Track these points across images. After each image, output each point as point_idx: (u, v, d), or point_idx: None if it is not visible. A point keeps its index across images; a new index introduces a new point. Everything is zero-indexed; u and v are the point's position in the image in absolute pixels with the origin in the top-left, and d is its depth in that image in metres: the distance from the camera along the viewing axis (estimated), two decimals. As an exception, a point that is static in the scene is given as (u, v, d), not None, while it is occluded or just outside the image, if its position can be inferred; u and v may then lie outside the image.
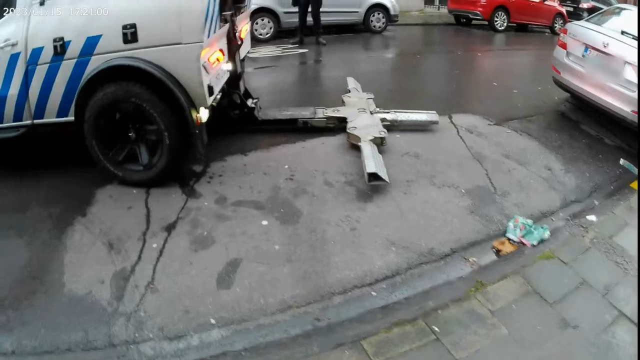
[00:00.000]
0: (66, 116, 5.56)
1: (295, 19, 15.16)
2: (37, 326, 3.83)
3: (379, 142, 6.68)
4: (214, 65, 5.64)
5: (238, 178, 6.00)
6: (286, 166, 6.29)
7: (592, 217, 5.57)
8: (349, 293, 4.26)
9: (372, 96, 8.48)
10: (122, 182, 5.68)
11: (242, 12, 7.11)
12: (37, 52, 5.33)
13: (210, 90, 5.37)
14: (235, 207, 5.40)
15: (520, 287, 4.35)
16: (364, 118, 7.38)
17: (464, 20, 23.33)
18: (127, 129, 5.61)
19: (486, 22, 21.57)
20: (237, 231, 4.98)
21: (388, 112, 7.71)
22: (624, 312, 4.22)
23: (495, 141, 7.42)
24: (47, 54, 5.31)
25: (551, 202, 5.94)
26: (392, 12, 18.08)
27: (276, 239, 4.89)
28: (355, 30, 18.06)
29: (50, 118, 5.61)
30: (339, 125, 7.47)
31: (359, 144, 6.52)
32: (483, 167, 6.53)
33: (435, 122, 7.74)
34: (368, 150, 6.21)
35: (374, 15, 17.81)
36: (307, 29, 15.12)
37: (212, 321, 3.91)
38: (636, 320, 4.13)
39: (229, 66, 6.38)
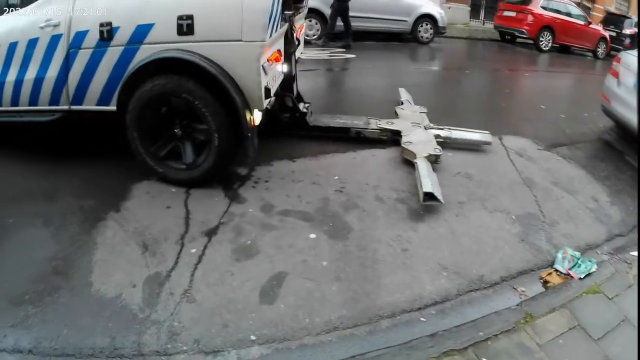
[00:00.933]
0: (107, 105, 5.41)
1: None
2: (59, 326, 3.63)
3: (434, 160, 6.58)
4: (272, 66, 5.43)
5: (285, 185, 5.89)
6: (336, 177, 6.19)
7: (635, 253, 5.46)
8: (397, 317, 4.12)
9: (426, 110, 8.39)
10: (162, 179, 5.57)
11: (300, 12, 7.02)
12: (80, 36, 5.19)
13: (267, 92, 5.21)
14: (282, 216, 5.27)
15: (567, 321, 4.28)
16: (418, 133, 7.28)
17: (509, 37, 23.22)
18: (173, 125, 5.47)
19: (531, 41, 21.43)
20: (283, 243, 4.84)
21: (442, 129, 7.59)
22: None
23: (545, 167, 7.34)
24: (92, 39, 5.16)
25: (597, 234, 5.85)
26: (440, 24, 18.01)
27: (325, 254, 4.75)
28: (403, 40, 17.98)
29: (89, 105, 5.46)
30: (391, 138, 7.37)
31: (415, 160, 6.40)
32: (533, 193, 6.45)
33: (488, 143, 7.65)
34: (424, 168, 6.11)
35: (422, 26, 17.76)
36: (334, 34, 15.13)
37: (253, 337, 3.72)
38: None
39: (285, 68, 6.28)
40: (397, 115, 8.16)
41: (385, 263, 4.73)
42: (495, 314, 4.31)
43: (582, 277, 4.95)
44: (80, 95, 5.43)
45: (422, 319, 4.17)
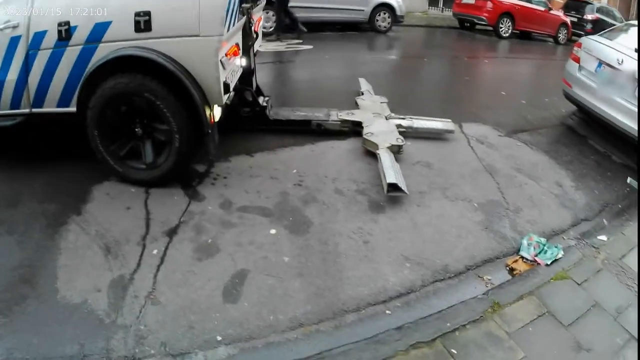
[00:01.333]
0: (67, 106, 5.28)
1: (300, 14, 15.12)
2: (29, 335, 3.57)
3: (396, 150, 6.56)
4: (230, 61, 5.37)
5: (244, 181, 5.82)
6: (294, 170, 6.14)
7: (602, 237, 5.52)
8: (362, 311, 4.11)
9: (386, 100, 8.36)
10: (122, 179, 5.47)
11: (258, 4, 6.93)
12: (39, 37, 5.07)
13: (227, 87, 5.15)
14: (242, 212, 5.22)
15: (535, 309, 4.29)
16: (380, 124, 7.27)
17: (468, 24, 23.28)
18: (133, 124, 5.35)
19: (491, 28, 21.57)
20: (243, 240, 4.79)
21: (403, 118, 7.59)
22: (635, 336, 4.20)
23: (507, 154, 7.36)
24: (51, 39, 5.04)
25: (562, 219, 5.89)
26: (398, 13, 17.96)
27: (286, 249, 4.72)
28: (360, 29, 17.95)
29: (50, 107, 5.33)
30: (353, 129, 7.34)
31: (377, 151, 6.39)
32: (495, 180, 6.47)
33: (451, 131, 7.67)
34: (387, 159, 6.10)
35: (379, 15, 17.71)
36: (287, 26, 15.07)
37: (219, 338, 3.70)
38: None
39: (243, 62, 6.20)
40: (357, 106, 8.15)
41: (347, 256, 4.70)
42: (461, 304, 4.30)
43: (548, 263, 4.97)
44: (40, 97, 5.31)
45: (387, 311, 4.15)
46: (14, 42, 5.15)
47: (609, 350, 4.02)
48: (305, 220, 5.18)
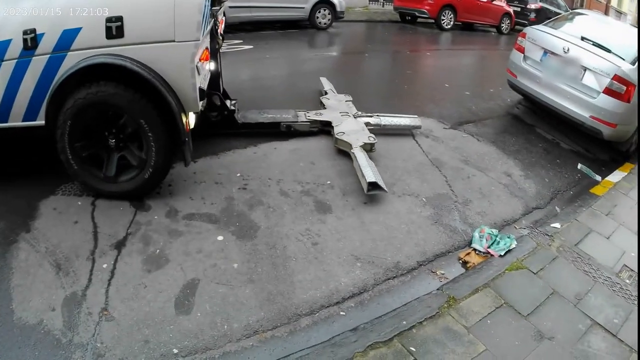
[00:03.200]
0: (34, 120, 5.05)
1: (242, 14, 15.20)
2: None
3: (369, 148, 6.64)
4: (203, 66, 5.30)
5: (188, 187, 5.77)
6: (238, 174, 6.10)
7: (556, 225, 5.63)
8: (316, 314, 4.12)
9: (351, 98, 8.42)
10: (71, 177, 5.36)
11: (222, 6, 6.85)
12: (2, 46, 4.80)
13: (202, 93, 5.08)
14: (188, 220, 5.17)
15: (492, 301, 4.34)
16: (349, 123, 7.34)
17: (409, 18, 23.46)
18: (106, 134, 5.19)
19: (432, 21, 21.76)
20: (191, 248, 4.76)
21: (371, 116, 7.70)
22: (597, 321, 4.30)
23: (452, 146, 7.45)
24: (15, 49, 4.78)
25: (513, 209, 6.00)
26: (338, 9, 18.01)
27: (234, 256, 4.69)
28: (300, 27, 17.95)
29: (15, 122, 5.09)
30: (321, 129, 7.43)
31: (352, 151, 6.46)
32: (442, 173, 6.55)
33: (418, 127, 7.81)
34: (362, 157, 6.17)
35: (319, 12, 17.72)
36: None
37: (175, 351, 3.67)
38: (610, 329, 4.23)
39: (212, 66, 6.14)
40: (323, 105, 8.18)
41: (296, 259, 4.71)
42: (416, 301, 4.32)
43: (502, 254, 5.04)
44: (4, 111, 5.07)
45: (341, 313, 4.18)
46: None
47: (572, 337, 4.09)
48: (252, 225, 5.16)
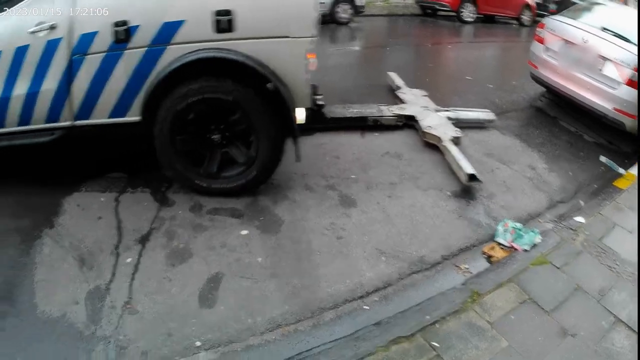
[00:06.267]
0: (123, 116, 4.93)
1: None
2: (11, 353, 3.48)
3: (456, 142, 6.69)
4: (313, 61, 5.00)
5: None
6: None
7: (580, 219, 5.54)
8: (340, 308, 4.08)
9: (427, 93, 8.51)
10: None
11: None
12: (87, 39, 4.60)
13: (314, 89, 5.03)
14: (212, 215, 5.15)
15: (516, 296, 4.28)
16: (433, 117, 7.44)
17: (430, 11, 23.34)
18: (209, 131, 5.13)
19: (453, 13, 21.63)
20: (215, 242, 4.73)
21: (449, 110, 7.78)
22: (620, 318, 4.20)
23: (477, 139, 7.38)
24: (103, 42, 4.60)
25: (538, 203, 5.92)
26: (358, 3, 17.92)
27: (259, 250, 4.66)
28: (321, 22, 17.90)
29: (99, 118, 4.94)
30: (406, 123, 7.51)
31: (443, 144, 6.54)
32: (467, 167, 6.42)
33: (492, 121, 7.90)
34: (456, 151, 6.26)
35: (340, 6, 17.62)
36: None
37: (198, 344, 3.65)
38: (633, 327, 4.13)
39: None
40: (401, 100, 8.26)
41: (321, 253, 4.67)
42: (440, 295, 4.26)
43: (526, 248, 4.96)
44: (87, 108, 4.91)
45: (365, 307, 4.12)
46: (51, 46, 4.69)
47: (595, 334, 4.00)
48: (276, 219, 5.13)
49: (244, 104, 4.84)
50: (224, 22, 4.56)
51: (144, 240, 4.73)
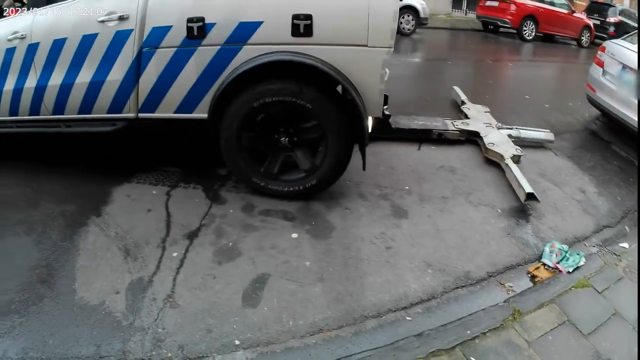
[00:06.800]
0: (190, 112, 4.96)
1: None
2: (44, 335, 3.56)
3: (517, 160, 6.70)
4: (387, 71, 4.96)
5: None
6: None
7: (624, 245, 5.46)
8: (383, 317, 4.05)
9: (489, 109, 8.55)
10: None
11: None
12: (160, 33, 4.66)
13: (386, 99, 5.02)
14: (263, 216, 5.20)
15: (556, 317, 4.23)
16: (496, 134, 7.44)
17: (492, 27, 23.29)
18: (276, 134, 5.16)
19: (514, 31, 21.50)
20: (265, 243, 4.77)
21: (511, 129, 7.77)
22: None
23: (530, 158, 7.27)
24: (176, 36, 4.64)
25: (585, 226, 5.81)
26: (422, 15, 17.98)
27: (307, 254, 4.68)
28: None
29: (164, 112, 4.98)
30: (467, 139, 7.56)
31: (505, 162, 6.55)
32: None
33: (552, 141, 7.87)
34: (516, 169, 6.25)
35: (403, 17, 17.66)
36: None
37: (237, 342, 3.66)
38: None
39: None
40: (466, 115, 8.30)
41: (369, 262, 4.66)
42: (482, 311, 4.25)
43: (570, 270, 4.90)
44: (154, 101, 4.97)
45: (408, 318, 4.10)
46: (120, 37, 4.75)
47: (628, 360, 3.96)
48: (327, 225, 5.14)
49: (322, 114, 4.86)
50: (302, 26, 4.53)
51: (192, 236, 4.80)
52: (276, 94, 4.77)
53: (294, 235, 4.94)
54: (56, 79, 5.06)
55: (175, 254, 4.52)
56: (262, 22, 4.56)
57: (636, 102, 7.70)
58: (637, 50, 8.08)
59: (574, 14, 23.25)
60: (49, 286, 4.05)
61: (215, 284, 4.21)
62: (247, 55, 4.66)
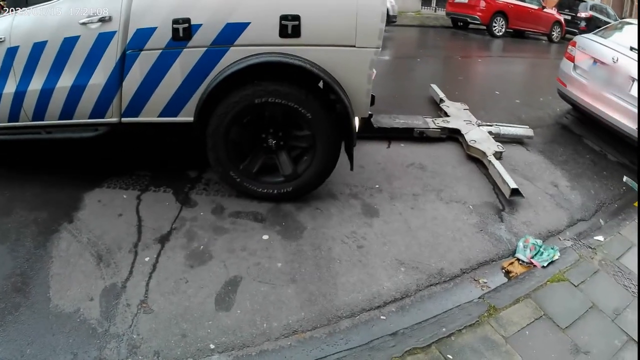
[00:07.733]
0: (174, 116, 4.91)
1: None
2: (22, 345, 3.53)
3: (498, 157, 6.78)
4: (373, 71, 4.98)
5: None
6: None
7: (599, 238, 5.50)
8: (357, 317, 4.07)
9: (467, 107, 8.64)
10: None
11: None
12: (144, 34, 4.56)
13: (372, 99, 5.04)
14: (234, 218, 5.19)
15: (532, 312, 4.26)
16: (476, 131, 7.53)
17: (461, 23, 23.42)
18: (263, 135, 5.13)
19: (484, 27, 21.66)
20: (236, 246, 4.76)
21: (491, 125, 7.90)
22: (633, 337, 4.17)
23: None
24: (161, 38, 4.54)
25: (558, 220, 5.87)
26: (390, 13, 17.94)
27: (279, 255, 4.68)
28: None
29: (148, 117, 4.92)
30: (449, 136, 7.64)
31: (488, 158, 6.62)
32: (490, 181, 6.45)
33: (531, 137, 7.98)
34: (500, 165, 6.33)
35: (370, 16, 17.66)
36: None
37: (212, 346, 3.66)
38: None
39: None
40: (445, 113, 8.39)
41: (340, 261, 4.67)
42: (457, 308, 4.26)
43: (545, 265, 4.94)
44: (137, 105, 4.90)
45: (382, 317, 4.12)
46: (103, 39, 4.64)
47: (607, 353, 3.99)
48: (298, 225, 5.14)
49: (318, 126, 4.91)
50: (290, 27, 4.53)
51: (163, 240, 4.77)
52: (282, 97, 4.75)
53: (265, 237, 4.93)
54: (36, 84, 4.93)
55: (147, 259, 4.50)
56: (249, 23, 4.53)
57: (609, 96, 7.79)
58: (611, 47, 8.19)
59: (545, 10, 23.51)
60: (24, 295, 4.02)
61: (187, 288, 4.20)
62: (233, 57, 4.64)
